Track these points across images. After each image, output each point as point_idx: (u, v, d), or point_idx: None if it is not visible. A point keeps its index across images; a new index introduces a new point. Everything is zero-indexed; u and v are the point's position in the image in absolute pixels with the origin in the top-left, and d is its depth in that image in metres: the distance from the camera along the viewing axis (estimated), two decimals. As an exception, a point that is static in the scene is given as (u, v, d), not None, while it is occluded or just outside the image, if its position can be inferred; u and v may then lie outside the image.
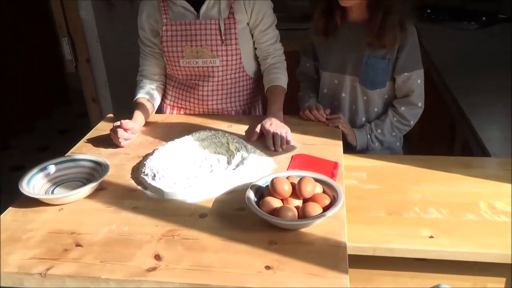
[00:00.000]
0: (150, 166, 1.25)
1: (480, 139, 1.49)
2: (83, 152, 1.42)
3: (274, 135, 1.38)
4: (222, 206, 1.12)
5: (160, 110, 1.76)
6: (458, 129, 1.96)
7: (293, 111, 1.64)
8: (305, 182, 1.04)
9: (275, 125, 1.42)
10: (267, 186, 1.09)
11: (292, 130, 1.50)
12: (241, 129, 1.53)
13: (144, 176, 1.23)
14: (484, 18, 2.66)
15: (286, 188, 1.04)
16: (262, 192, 1.10)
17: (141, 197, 1.18)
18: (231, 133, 1.43)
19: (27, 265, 0.95)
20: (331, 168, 1.27)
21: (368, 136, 1.63)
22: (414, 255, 1.04)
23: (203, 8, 1.56)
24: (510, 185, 1.24)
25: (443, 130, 2.25)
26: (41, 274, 0.93)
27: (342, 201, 1.02)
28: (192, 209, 1.12)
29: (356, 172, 1.35)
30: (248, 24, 1.61)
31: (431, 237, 1.07)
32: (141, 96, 1.62)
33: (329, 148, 1.39)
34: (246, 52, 1.63)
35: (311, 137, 1.46)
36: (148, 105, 1.61)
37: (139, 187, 1.22)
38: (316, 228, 1.01)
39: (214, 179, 1.18)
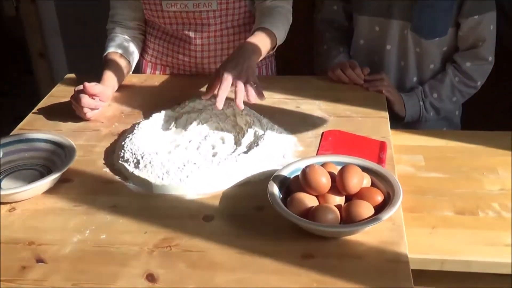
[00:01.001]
0: (131, 148, 1.21)
1: None
2: (36, 128, 1.37)
3: (235, 86, 1.26)
4: (233, 204, 1.09)
5: (138, 70, 1.72)
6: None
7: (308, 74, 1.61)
8: (350, 172, 1.00)
9: (236, 70, 1.27)
10: (296, 177, 1.05)
11: (319, 97, 1.46)
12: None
13: (123, 163, 1.18)
14: None
15: (324, 181, 0.99)
16: (288, 186, 1.06)
17: (121, 192, 1.14)
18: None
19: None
20: (376, 150, 1.23)
21: (421, 103, 1.61)
22: (494, 269, 1.02)
23: None
24: None
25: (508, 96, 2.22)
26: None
27: (401, 198, 0.98)
28: (193, 208, 1.08)
29: (410, 155, 1.32)
30: None
31: (518, 244, 1.04)
32: (112, 50, 1.56)
33: (371, 122, 1.36)
34: None
35: (345, 107, 1.43)
36: (122, 62, 1.56)
37: (117, 178, 1.18)
38: (365, 236, 0.97)
39: (220, 167, 1.13)
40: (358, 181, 1.00)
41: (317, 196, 1.01)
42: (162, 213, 1.07)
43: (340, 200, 1.01)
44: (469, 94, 1.63)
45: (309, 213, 0.97)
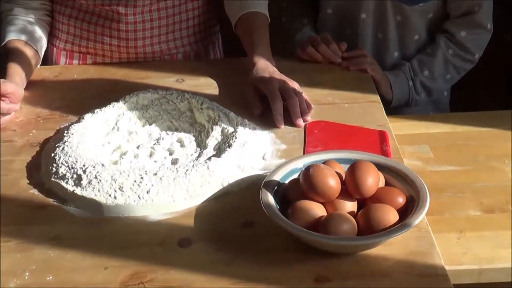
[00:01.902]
0: (65, 161, 1.17)
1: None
2: None
3: (287, 98, 1.33)
4: (213, 222, 1.07)
5: (46, 60, 1.68)
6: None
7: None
8: (363, 170, 1.00)
9: (279, 79, 1.36)
10: (293, 181, 1.05)
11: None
12: (202, 84, 1.50)
13: (58, 181, 1.14)
14: None
15: (333, 184, 0.99)
16: (283, 193, 1.06)
17: (60, 218, 1.10)
18: (194, 93, 1.38)
19: None
20: (376, 141, 1.26)
21: (410, 82, 1.64)
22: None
23: None
24: None
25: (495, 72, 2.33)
26: None
27: (428, 197, 0.99)
28: (162, 232, 1.05)
29: (414, 145, 1.35)
30: None
31: None
32: (13, 37, 1.52)
33: (360, 108, 1.39)
34: None
35: (326, 91, 1.45)
36: (29, 52, 1.52)
37: (50, 201, 1.14)
38: (387, 248, 0.98)
39: (188, 177, 1.11)
40: (374, 180, 1.00)
41: (323, 204, 1.01)
42: (122, 242, 1.03)
43: (352, 206, 1.01)
44: (465, 70, 1.69)
45: (319, 225, 0.97)
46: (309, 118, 1.33)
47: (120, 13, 1.55)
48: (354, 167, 1.01)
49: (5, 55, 1.49)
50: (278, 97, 1.32)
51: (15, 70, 1.44)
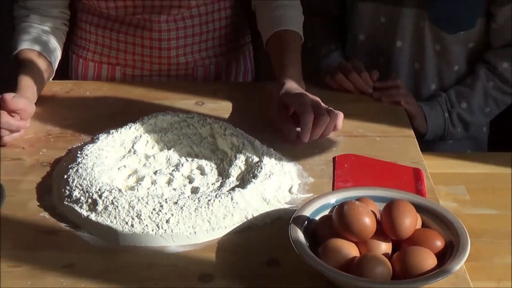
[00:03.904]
0: (80, 184, 1.19)
1: None
2: None
3: (318, 115, 1.35)
4: (236, 258, 1.09)
5: (72, 72, 1.72)
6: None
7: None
8: (401, 210, 1.02)
9: (312, 96, 1.39)
10: (324, 218, 1.08)
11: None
12: (223, 108, 1.53)
13: (71, 205, 1.17)
14: None
15: (369, 223, 1.01)
16: (313, 230, 1.08)
17: (73, 245, 1.12)
18: (216, 117, 1.40)
19: None
20: (410, 179, 1.28)
21: (446, 114, 1.66)
22: None
23: None
24: None
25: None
26: None
27: (469, 241, 1.02)
28: (182, 265, 1.07)
29: (449, 186, 1.37)
30: None
31: None
32: (27, 47, 1.55)
33: (393, 143, 1.41)
34: None
35: (356, 123, 1.48)
36: (42, 64, 1.54)
37: (62, 225, 1.16)
38: (424, 294, 1.00)
39: (211, 207, 1.14)
40: (411, 222, 1.02)
41: (356, 243, 1.03)
42: (139, 274, 1.05)
43: (386, 247, 1.04)
44: (505, 104, 1.71)
45: (351, 266, 0.99)
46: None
47: (153, 20, 1.59)
48: (390, 206, 1.04)
49: (17, 65, 1.50)
50: (310, 110, 1.33)
51: (27, 84, 1.45)
